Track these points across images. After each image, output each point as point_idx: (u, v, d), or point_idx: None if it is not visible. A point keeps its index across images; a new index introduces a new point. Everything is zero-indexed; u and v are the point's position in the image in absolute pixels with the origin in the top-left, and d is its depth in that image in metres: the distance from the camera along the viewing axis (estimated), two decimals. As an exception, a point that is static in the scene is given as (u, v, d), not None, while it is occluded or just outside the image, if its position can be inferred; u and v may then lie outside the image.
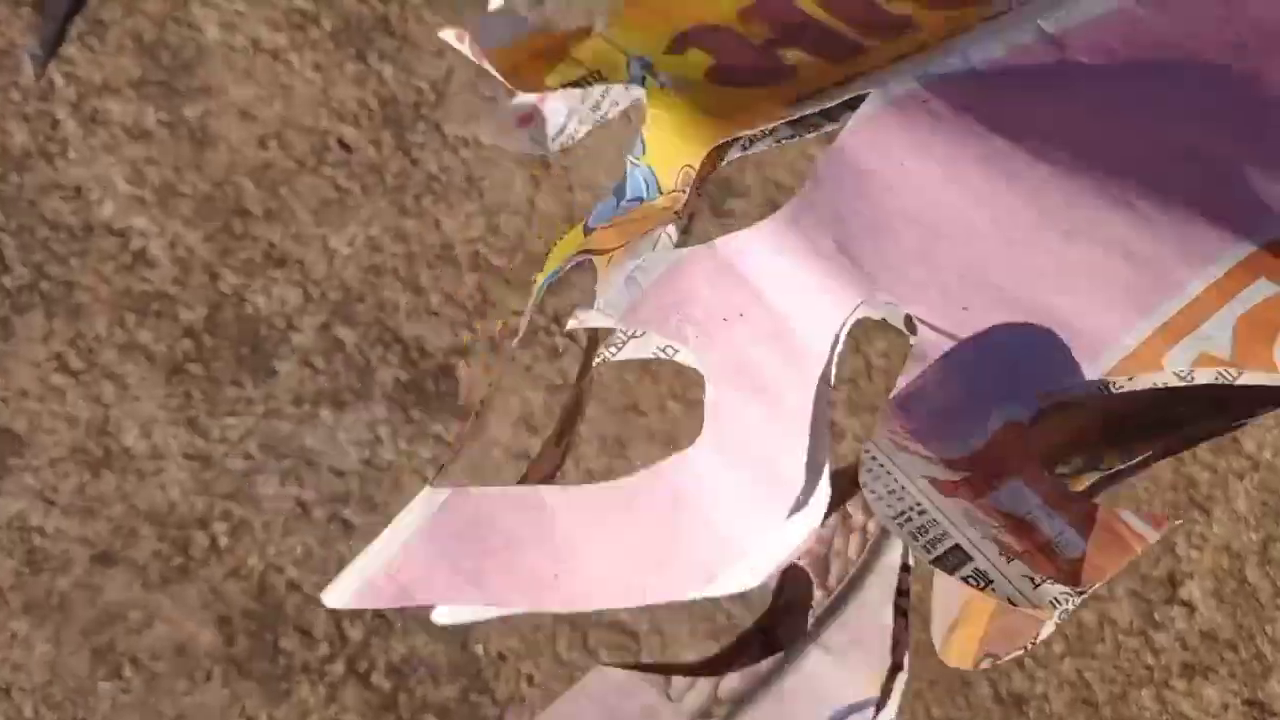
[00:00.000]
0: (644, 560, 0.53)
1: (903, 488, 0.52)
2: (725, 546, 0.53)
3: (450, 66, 0.80)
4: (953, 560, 0.50)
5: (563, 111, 0.60)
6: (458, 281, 0.79)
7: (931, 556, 0.50)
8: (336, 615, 0.76)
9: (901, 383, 0.48)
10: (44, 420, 0.76)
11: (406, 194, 0.80)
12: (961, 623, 0.59)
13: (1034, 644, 0.54)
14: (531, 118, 0.59)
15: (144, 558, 0.76)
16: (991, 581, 0.52)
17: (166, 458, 0.76)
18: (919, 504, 0.52)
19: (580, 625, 0.76)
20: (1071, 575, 0.52)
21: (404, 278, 0.79)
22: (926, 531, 0.51)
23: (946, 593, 0.58)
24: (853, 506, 0.64)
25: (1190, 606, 0.78)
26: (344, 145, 0.80)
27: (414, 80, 0.80)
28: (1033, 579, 0.52)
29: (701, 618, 0.76)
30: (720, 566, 0.52)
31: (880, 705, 0.63)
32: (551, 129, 0.58)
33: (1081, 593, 0.52)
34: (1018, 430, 0.52)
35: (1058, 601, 0.51)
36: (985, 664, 0.56)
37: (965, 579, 0.51)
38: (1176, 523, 0.78)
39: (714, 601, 0.76)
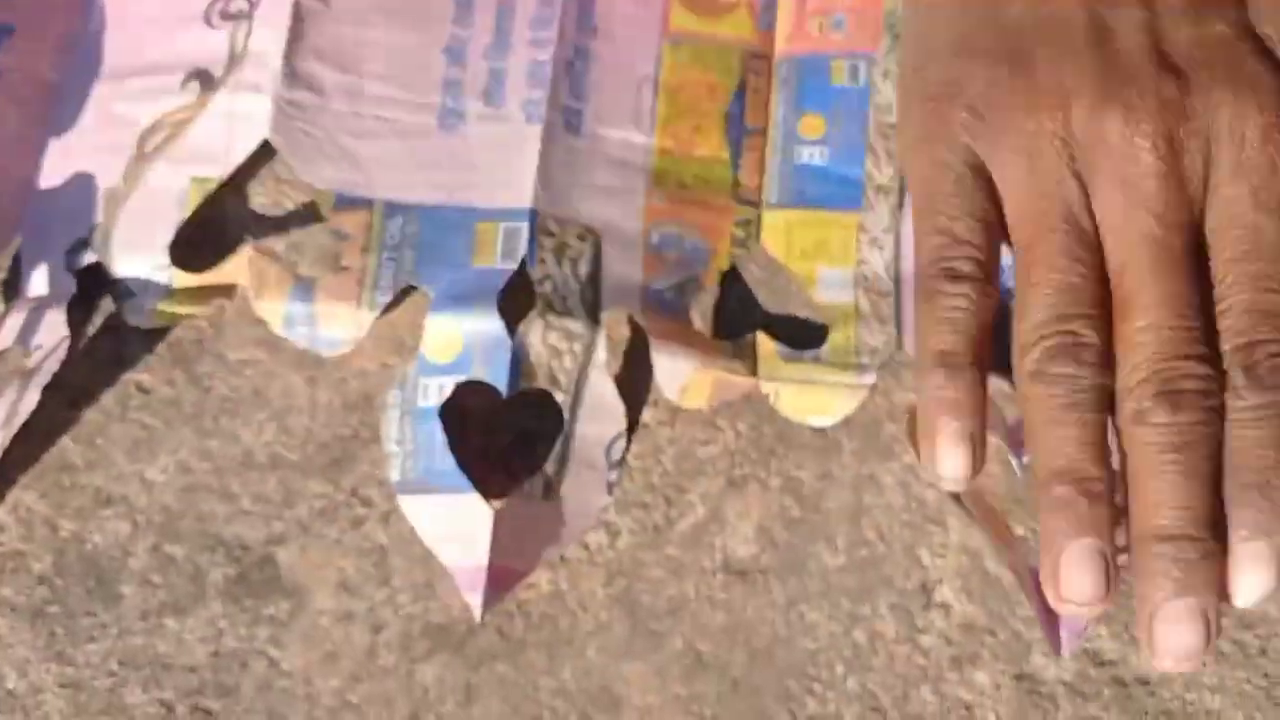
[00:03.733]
0: None
1: None
2: None
3: (220, 304, 0.93)
4: None
5: None
6: (262, 482, 0.91)
7: None
8: (211, 790, 0.87)
9: None
10: (-68, 684, 0.87)
11: (205, 418, 0.92)
12: (689, 387, 0.84)
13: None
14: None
15: (39, 781, 0.87)
16: None
17: (44, 691, 0.87)
18: None
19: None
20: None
21: (216, 490, 0.91)
22: None
23: (670, 372, 0.83)
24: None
25: (946, 606, 0.89)
26: (142, 389, 0.92)
27: (194, 320, 0.93)
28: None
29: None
30: None
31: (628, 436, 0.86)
32: None
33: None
34: None
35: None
36: (717, 405, 0.86)
37: None
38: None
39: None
